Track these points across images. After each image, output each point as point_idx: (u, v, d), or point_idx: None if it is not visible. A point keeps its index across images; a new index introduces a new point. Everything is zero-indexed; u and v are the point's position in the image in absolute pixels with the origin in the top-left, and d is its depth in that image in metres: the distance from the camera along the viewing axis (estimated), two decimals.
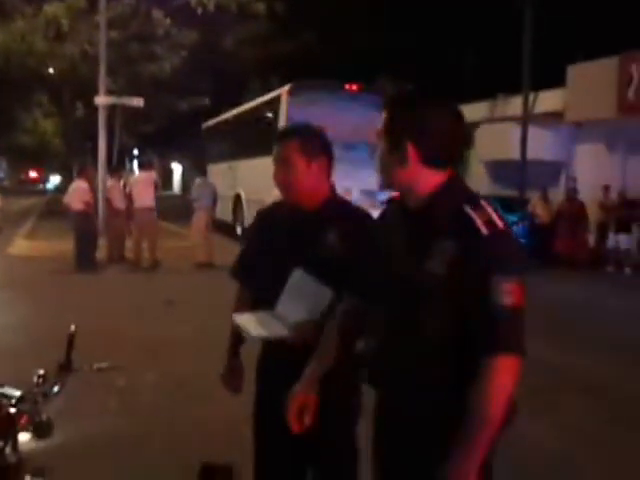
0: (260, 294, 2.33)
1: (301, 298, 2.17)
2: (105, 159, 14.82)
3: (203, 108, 21.23)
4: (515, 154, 16.64)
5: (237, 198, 15.76)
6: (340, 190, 2.39)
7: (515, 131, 16.88)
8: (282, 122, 12.98)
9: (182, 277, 11.12)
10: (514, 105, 17.47)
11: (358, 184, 11.42)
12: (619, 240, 13.14)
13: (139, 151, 39.45)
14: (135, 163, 37.40)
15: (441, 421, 1.67)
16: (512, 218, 14.32)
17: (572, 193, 14.19)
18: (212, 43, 19.51)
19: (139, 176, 12.02)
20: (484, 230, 1.61)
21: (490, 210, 1.66)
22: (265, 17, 18.88)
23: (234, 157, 16.39)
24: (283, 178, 2.28)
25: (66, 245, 12.56)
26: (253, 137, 15.11)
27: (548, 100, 16.80)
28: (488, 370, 1.58)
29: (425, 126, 1.67)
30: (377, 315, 1.81)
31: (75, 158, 22.22)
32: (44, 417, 1.86)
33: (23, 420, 1.82)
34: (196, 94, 20.33)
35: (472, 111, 19.58)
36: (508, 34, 17.14)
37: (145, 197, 11.67)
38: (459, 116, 1.73)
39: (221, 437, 4.18)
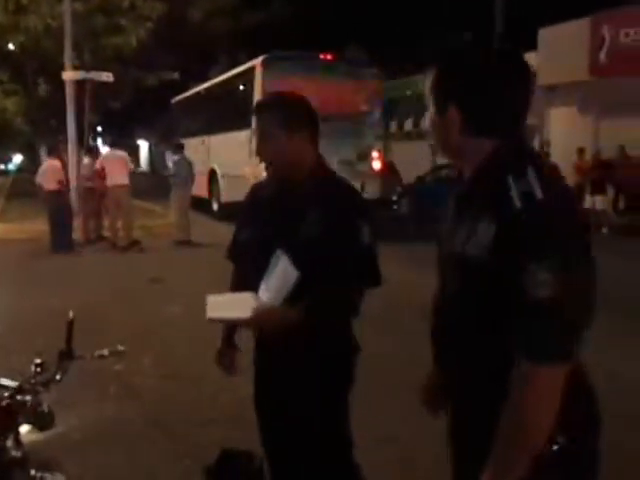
0: (250, 274, 2.23)
1: (273, 279, 2.08)
2: (75, 137, 14.42)
3: (171, 83, 20.77)
4: None
5: (212, 173, 15.54)
6: None
7: None
8: (257, 94, 12.76)
9: (162, 255, 10.97)
10: None
11: (337, 155, 11.32)
12: (595, 201, 13.31)
13: (103, 128, 38.63)
14: (99, 140, 36.71)
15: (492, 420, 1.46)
16: None
17: (545, 157, 14.30)
18: (179, 15, 19.00)
19: (111, 153, 11.74)
20: (517, 203, 1.35)
21: (534, 178, 1.37)
22: None
23: (207, 132, 16.12)
24: (265, 153, 2.15)
25: (39, 226, 12.30)
26: (227, 111, 14.85)
27: None
28: (520, 378, 1.35)
29: (470, 88, 1.46)
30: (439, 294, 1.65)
31: (40, 137, 21.63)
32: (45, 408, 1.80)
33: (23, 412, 1.75)
34: (163, 68, 19.84)
35: None
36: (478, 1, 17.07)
37: (119, 175, 11.41)
38: (518, 76, 1.48)
39: (225, 418, 4.14)
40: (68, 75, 13.66)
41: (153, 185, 23.45)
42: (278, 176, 2.19)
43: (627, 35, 12.84)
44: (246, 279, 2.27)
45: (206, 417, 4.22)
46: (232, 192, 14.26)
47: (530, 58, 17.24)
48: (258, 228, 2.22)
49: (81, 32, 15.83)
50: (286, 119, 2.12)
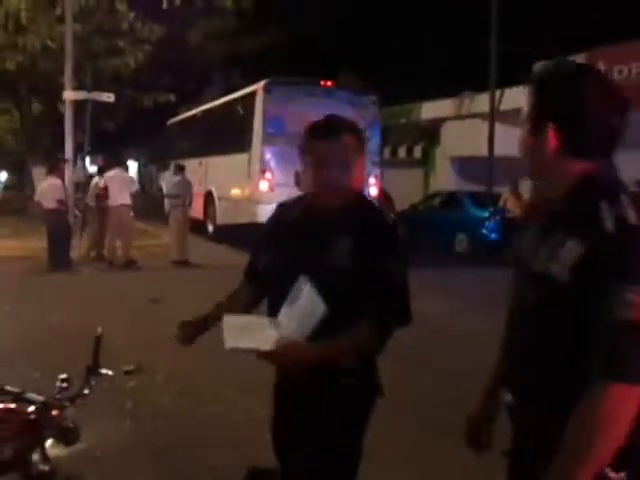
0: (270, 299, 2.16)
1: (297, 309, 1.97)
2: (73, 156, 14.43)
3: (162, 104, 20.88)
4: (481, 150, 16.93)
5: (208, 195, 15.58)
6: None
7: (481, 127, 17.18)
8: (257, 118, 12.92)
9: (159, 275, 10.95)
10: (480, 102, 17.78)
11: None
12: None
13: (91, 148, 38.59)
14: (88, 160, 36.69)
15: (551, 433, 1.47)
16: (484, 214, 14.58)
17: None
18: (177, 38, 19.18)
19: (114, 173, 11.77)
20: (609, 227, 1.37)
21: (627, 204, 1.41)
22: (231, 12, 18.71)
23: (205, 154, 16.19)
24: (336, 178, 2.03)
25: (36, 244, 12.24)
26: (225, 133, 14.97)
27: (514, 97, 17.12)
28: (595, 397, 1.34)
29: (571, 109, 1.46)
30: (508, 320, 1.67)
31: (32, 156, 21.55)
32: (71, 423, 1.82)
33: (50, 426, 1.78)
34: (159, 90, 19.95)
35: (438, 107, 19.94)
36: (474, 32, 17.42)
37: (122, 194, 11.46)
38: (617, 99, 1.49)
39: (239, 435, 4.17)
40: (69, 95, 13.69)
41: (143, 205, 23.43)
42: (322, 202, 2.08)
43: (621, 72, 13.17)
44: (259, 301, 2.28)
45: (223, 436, 4.23)
46: (228, 215, 14.33)
47: (524, 92, 17.55)
48: (283, 252, 2.13)
49: (80, 53, 15.92)
50: (358, 143, 2.09)
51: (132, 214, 11.90)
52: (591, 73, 1.55)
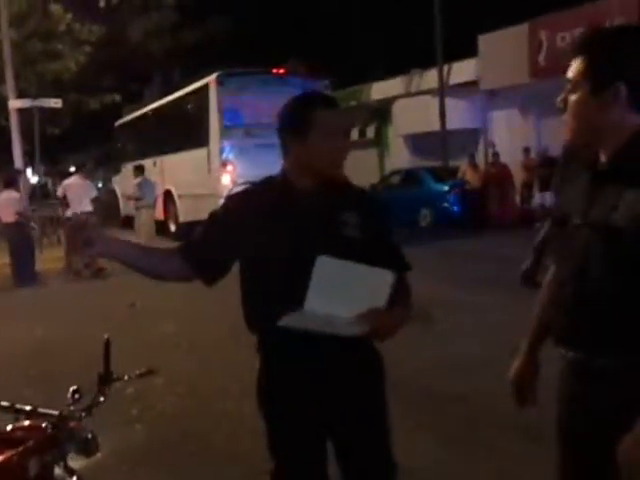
0: (268, 291, 2.01)
1: (350, 287, 1.89)
2: (23, 166, 14.02)
3: (110, 106, 20.43)
4: (433, 126, 17.14)
5: (167, 194, 15.36)
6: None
7: (432, 103, 17.38)
8: (213, 112, 12.81)
9: (131, 280, 10.74)
10: (429, 78, 17.96)
11: None
12: (544, 198, 13.86)
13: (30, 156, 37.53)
14: (29, 168, 35.67)
15: (631, 380, 1.56)
16: (444, 187, 14.83)
17: (496, 157, 14.85)
18: (117, 37, 18.77)
19: (73, 180, 11.49)
20: None
21: None
22: (170, 7, 18.39)
23: (159, 153, 15.93)
24: (348, 148, 2.10)
25: None
26: (180, 130, 14.76)
27: (462, 71, 17.39)
28: None
29: (636, 65, 1.55)
30: (562, 275, 1.72)
31: None
32: (89, 434, 1.81)
33: (69, 439, 1.76)
34: (104, 91, 19.50)
35: (387, 87, 20.06)
36: (417, 9, 17.56)
37: (81, 202, 11.20)
38: None
39: (244, 431, 4.12)
40: (14, 104, 13.29)
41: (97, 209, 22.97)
42: (324, 180, 2.04)
43: (563, 39, 13.50)
44: (259, 298, 2.07)
45: (239, 430, 4.22)
46: (191, 212, 14.16)
47: (471, 64, 17.96)
48: (278, 236, 1.99)
49: (18, 59, 15.43)
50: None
51: (95, 220, 11.64)
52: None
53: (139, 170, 12.41)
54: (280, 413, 2.11)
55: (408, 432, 3.65)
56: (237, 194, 2.16)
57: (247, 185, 2.19)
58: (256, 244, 2.02)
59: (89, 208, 11.26)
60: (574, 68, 1.62)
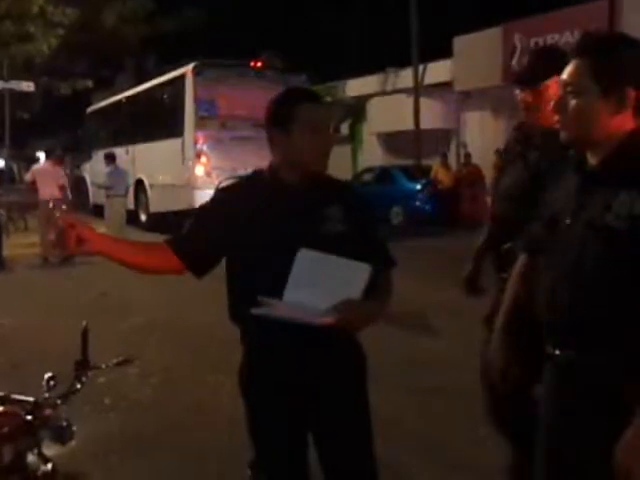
0: (251, 284, 2.03)
1: (326, 280, 1.94)
2: None
3: (81, 92, 20.13)
4: (407, 125, 17.29)
5: (139, 183, 15.20)
6: (253, 168, 2.19)
7: (406, 102, 17.52)
8: (189, 102, 12.72)
9: (101, 268, 10.61)
10: (404, 78, 18.10)
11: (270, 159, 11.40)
12: None
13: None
14: None
15: (623, 378, 1.59)
16: (416, 186, 14.98)
17: (468, 158, 15.07)
18: (92, 21, 18.48)
19: (45, 166, 11.31)
20: None
21: None
22: None
23: (132, 141, 15.74)
24: (330, 148, 2.09)
25: None
26: (154, 119, 14.61)
27: (437, 71, 17.56)
28: None
29: None
30: (554, 273, 1.72)
31: None
32: (64, 422, 1.80)
33: (44, 427, 1.75)
34: (76, 76, 19.19)
35: (363, 85, 20.15)
36: (394, 10, 17.67)
37: (51, 188, 11.03)
38: None
39: (221, 420, 4.18)
40: None
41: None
42: (307, 175, 2.06)
43: (537, 43, 13.73)
44: (241, 290, 2.09)
45: (214, 419, 4.26)
46: (162, 202, 14.06)
47: (446, 65, 18.16)
48: (264, 231, 2.03)
49: None
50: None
51: (64, 207, 11.44)
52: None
53: (110, 158, 12.26)
54: (261, 402, 2.15)
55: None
56: (225, 187, 2.18)
57: (236, 178, 2.22)
58: (242, 237, 2.04)
59: (57, 194, 11.10)
60: (575, 71, 1.65)
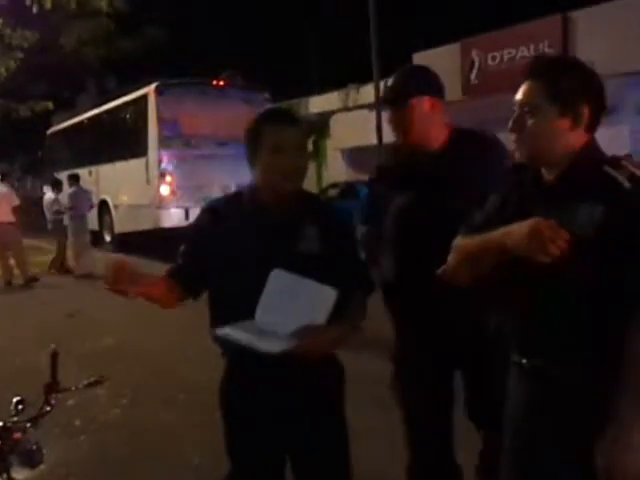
0: (228, 303, 2.05)
1: (293, 302, 1.92)
2: None
3: (41, 113, 19.87)
4: (370, 140, 17.45)
5: (103, 204, 15.06)
6: (219, 186, 2.28)
7: (368, 118, 17.71)
8: (152, 121, 12.68)
9: (68, 290, 10.54)
10: (366, 93, 18.31)
11: (234, 178, 11.37)
12: None
13: None
14: None
15: (595, 389, 1.61)
16: None
17: None
18: (51, 43, 18.28)
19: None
20: (627, 184, 1.59)
21: (632, 167, 1.63)
22: (105, 15, 18.05)
23: (94, 162, 15.60)
24: (305, 165, 2.09)
25: None
26: (117, 139, 14.52)
27: None
28: None
29: (595, 88, 1.69)
30: (517, 286, 1.75)
31: None
32: (33, 446, 1.81)
33: (13, 451, 1.75)
34: (35, 98, 18.93)
35: (325, 101, 20.35)
36: (355, 27, 17.93)
37: (6, 211, 10.86)
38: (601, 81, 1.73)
39: (192, 440, 4.17)
40: None
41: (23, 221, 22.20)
42: (278, 193, 2.07)
43: (494, 58, 14.08)
44: (222, 309, 2.11)
45: (185, 440, 4.23)
46: (127, 222, 13.96)
47: None
48: (241, 249, 2.05)
49: None
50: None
51: (16, 231, 11.20)
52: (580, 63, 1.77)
53: (74, 179, 12.14)
54: (240, 420, 2.15)
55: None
56: (209, 207, 2.22)
57: (218, 198, 2.27)
58: (221, 257, 2.06)
59: (10, 218, 10.91)
60: (530, 92, 1.72)
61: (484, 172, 2.25)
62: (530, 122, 1.71)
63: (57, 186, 12.51)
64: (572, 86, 1.67)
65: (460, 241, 1.88)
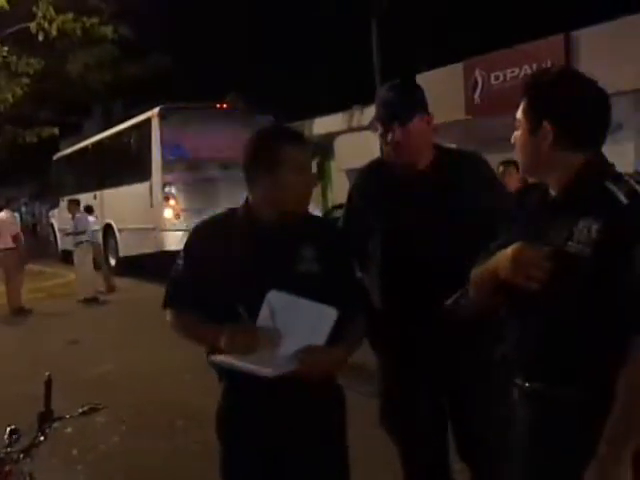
0: (224, 315, 1.97)
1: (292, 323, 1.89)
2: None
3: (48, 139, 20.01)
4: None
5: (108, 228, 15.07)
6: (223, 209, 2.20)
7: (373, 139, 17.64)
8: (155, 145, 12.72)
9: (71, 316, 10.48)
10: (370, 114, 18.31)
11: (239, 202, 11.36)
12: None
13: None
14: None
15: (590, 407, 1.58)
16: None
17: None
18: (57, 70, 18.46)
19: (5, 215, 11.12)
20: (624, 200, 1.56)
21: (633, 182, 1.60)
22: (111, 41, 18.25)
23: (99, 186, 15.66)
24: (313, 188, 2.10)
25: None
26: (122, 163, 14.58)
27: None
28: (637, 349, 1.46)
29: (564, 106, 1.64)
30: (513, 305, 1.73)
31: None
32: (27, 477, 1.77)
33: None
34: (41, 124, 19.08)
35: (329, 123, 20.40)
36: (357, 48, 18.04)
37: (7, 237, 10.83)
38: (603, 96, 1.67)
39: (193, 466, 4.07)
40: None
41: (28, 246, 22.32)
42: (285, 214, 2.03)
43: (497, 78, 14.06)
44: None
45: (187, 466, 4.15)
46: (132, 246, 13.95)
47: None
48: (241, 266, 1.99)
49: None
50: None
51: (18, 257, 11.12)
52: (574, 75, 1.73)
53: (75, 204, 12.19)
54: (236, 446, 2.08)
55: None
56: (199, 228, 2.17)
57: (207, 220, 2.19)
58: (216, 277, 2.00)
59: (10, 244, 10.84)
60: (520, 107, 1.73)
61: (473, 189, 2.22)
62: (515, 135, 1.75)
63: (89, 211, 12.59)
64: (539, 101, 1.68)
65: (472, 272, 1.85)
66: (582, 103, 1.65)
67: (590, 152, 1.68)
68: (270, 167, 1.97)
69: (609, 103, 1.68)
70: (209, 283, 2.01)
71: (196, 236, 2.15)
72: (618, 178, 1.63)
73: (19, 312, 10.66)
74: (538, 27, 13.34)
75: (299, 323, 1.87)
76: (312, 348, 1.87)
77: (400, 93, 2.40)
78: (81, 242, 11.71)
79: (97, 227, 12.88)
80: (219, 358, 1.90)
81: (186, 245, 2.15)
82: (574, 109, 1.65)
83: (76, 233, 11.81)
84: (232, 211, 2.15)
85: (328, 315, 1.88)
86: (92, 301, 11.28)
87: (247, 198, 2.10)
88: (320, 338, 1.88)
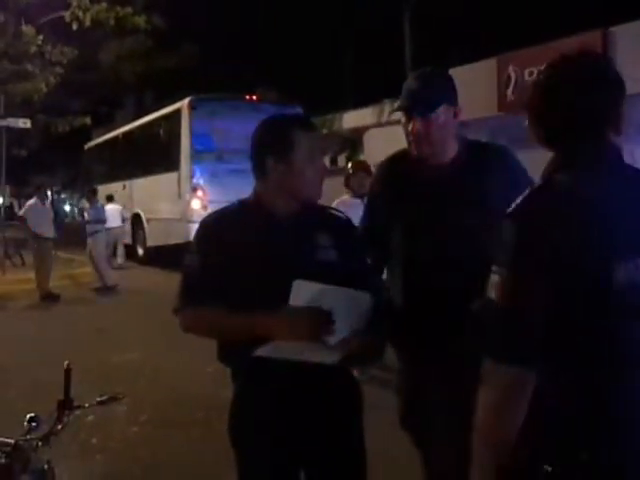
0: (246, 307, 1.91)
1: (334, 310, 1.85)
2: None
3: (79, 129, 20.24)
4: None
5: (136, 218, 15.20)
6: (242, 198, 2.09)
7: (402, 134, 17.51)
8: (185, 136, 12.77)
9: (99, 306, 10.58)
10: None
11: None
12: None
13: None
14: None
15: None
16: None
17: None
18: (90, 60, 18.66)
19: (32, 202, 11.28)
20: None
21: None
22: (144, 31, 18.36)
23: (129, 176, 15.79)
24: (325, 174, 2.04)
25: None
26: (151, 154, 14.67)
27: None
28: (485, 376, 1.36)
29: (544, 103, 1.52)
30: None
31: None
32: (45, 465, 1.73)
33: (24, 470, 1.66)
34: (73, 113, 19.31)
35: (358, 117, 20.28)
36: (389, 41, 17.89)
37: (39, 225, 10.99)
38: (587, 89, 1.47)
39: (212, 460, 4.01)
40: None
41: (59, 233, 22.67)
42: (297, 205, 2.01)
43: (531, 74, 13.79)
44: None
45: (205, 458, 4.12)
46: (159, 236, 14.04)
47: None
48: (261, 258, 1.94)
49: None
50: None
51: (51, 244, 11.32)
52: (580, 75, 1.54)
53: (92, 193, 12.36)
54: (252, 442, 2.03)
55: None
56: (209, 221, 2.09)
57: (215, 212, 2.12)
58: (231, 271, 1.94)
59: (49, 232, 11.03)
60: None
61: (499, 185, 2.15)
62: None
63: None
64: (530, 98, 1.61)
65: None
66: (565, 97, 1.54)
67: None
68: (282, 153, 1.93)
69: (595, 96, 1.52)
70: (227, 276, 1.95)
71: (207, 230, 2.06)
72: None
73: (47, 297, 10.80)
74: (575, 22, 13.05)
75: (340, 309, 1.83)
76: (357, 333, 1.86)
77: (424, 82, 2.29)
78: (96, 232, 11.79)
79: (119, 217, 12.95)
80: (265, 350, 1.82)
81: (197, 240, 2.06)
82: (552, 106, 1.55)
83: (94, 221, 11.92)
84: (241, 202, 2.08)
85: (364, 300, 1.88)
86: (106, 290, 11.39)
87: (255, 189, 2.05)
88: (360, 323, 1.87)
